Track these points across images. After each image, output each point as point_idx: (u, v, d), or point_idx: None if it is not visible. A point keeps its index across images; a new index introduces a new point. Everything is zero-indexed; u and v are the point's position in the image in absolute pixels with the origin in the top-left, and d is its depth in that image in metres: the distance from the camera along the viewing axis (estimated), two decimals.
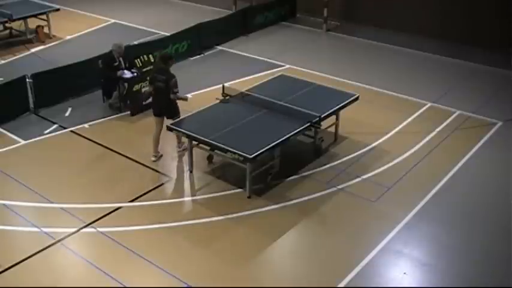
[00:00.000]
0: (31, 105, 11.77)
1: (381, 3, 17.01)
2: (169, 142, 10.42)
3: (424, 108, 12.12)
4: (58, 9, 16.55)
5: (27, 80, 11.67)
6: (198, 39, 15.05)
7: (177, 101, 9.76)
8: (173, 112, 9.77)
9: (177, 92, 9.59)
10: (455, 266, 7.67)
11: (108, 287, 7.21)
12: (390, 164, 9.97)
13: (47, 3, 17.72)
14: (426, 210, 8.77)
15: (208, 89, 12.66)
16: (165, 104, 9.69)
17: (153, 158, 9.99)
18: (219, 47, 15.68)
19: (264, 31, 17.10)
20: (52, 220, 8.49)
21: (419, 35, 15.99)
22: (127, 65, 11.78)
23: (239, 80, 13.02)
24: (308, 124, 9.45)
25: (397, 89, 12.76)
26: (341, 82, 12.98)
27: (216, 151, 9.31)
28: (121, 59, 11.73)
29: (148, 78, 10.38)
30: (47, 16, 16.13)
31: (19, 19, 15.67)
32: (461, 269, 7.63)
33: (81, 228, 8.28)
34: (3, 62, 14.61)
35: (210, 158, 9.94)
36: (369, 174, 9.65)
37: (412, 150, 10.40)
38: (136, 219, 8.52)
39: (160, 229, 8.31)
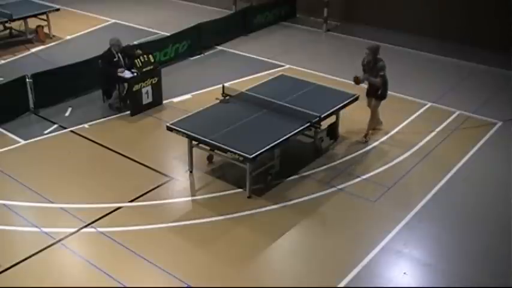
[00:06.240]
0: (31, 105, 11.77)
1: (381, 3, 17.02)
2: (169, 142, 10.43)
3: (424, 108, 12.13)
4: (58, 9, 16.56)
5: (27, 80, 11.66)
6: (198, 39, 15.05)
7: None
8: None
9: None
10: (455, 266, 7.67)
11: (108, 287, 7.21)
12: (390, 164, 9.97)
13: (47, 3, 17.73)
14: (426, 210, 8.77)
15: (208, 89, 12.66)
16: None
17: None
18: (219, 47, 15.68)
19: (264, 31, 17.11)
20: (52, 220, 8.49)
21: (419, 35, 15.99)
22: (126, 60, 11.78)
23: (239, 80, 13.02)
24: (308, 124, 9.45)
25: (397, 89, 12.73)
26: (341, 82, 12.97)
27: (216, 151, 9.31)
28: (120, 54, 11.74)
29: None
30: (47, 16, 16.13)
31: (19, 19, 15.67)
32: (461, 269, 7.63)
33: (81, 228, 8.28)
34: (3, 62, 14.61)
35: (210, 158, 9.94)
36: (369, 174, 9.65)
37: (412, 150, 10.40)
38: (136, 219, 8.51)
39: (160, 229, 8.31)
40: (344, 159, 10.12)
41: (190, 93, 12.69)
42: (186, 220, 8.51)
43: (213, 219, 8.53)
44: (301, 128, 9.39)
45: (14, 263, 7.57)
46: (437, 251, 7.97)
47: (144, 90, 11.72)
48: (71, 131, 11.06)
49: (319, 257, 7.82)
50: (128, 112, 11.73)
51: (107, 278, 7.34)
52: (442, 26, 15.95)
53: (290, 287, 7.31)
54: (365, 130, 10.73)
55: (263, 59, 14.81)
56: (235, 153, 8.59)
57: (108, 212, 8.64)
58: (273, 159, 9.45)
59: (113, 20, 17.92)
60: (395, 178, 9.54)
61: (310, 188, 9.25)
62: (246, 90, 10.71)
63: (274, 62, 14.57)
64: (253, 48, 15.67)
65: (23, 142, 10.65)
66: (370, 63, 10.28)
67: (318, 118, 9.48)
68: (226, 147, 8.73)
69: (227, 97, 10.38)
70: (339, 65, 14.59)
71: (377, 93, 10.52)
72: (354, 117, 11.17)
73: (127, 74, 11.63)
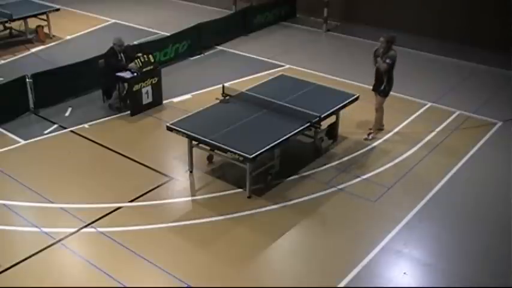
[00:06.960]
0: (31, 105, 11.77)
1: (381, 3, 17.02)
2: (169, 142, 10.43)
3: (424, 108, 12.13)
4: (58, 9, 16.55)
5: (27, 80, 11.66)
6: (198, 39, 15.05)
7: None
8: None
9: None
10: (455, 266, 7.67)
11: (108, 287, 7.21)
12: (390, 164, 9.97)
13: (47, 3, 17.73)
14: (426, 210, 8.78)
15: (208, 89, 12.66)
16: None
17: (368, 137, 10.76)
18: (219, 47, 15.68)
19: (264, 31, 17.12)
20: (52, 220, 8.49)
21: (419, 35, 15.99)
22: (128, 61, 11.79)
23: (239, 80, 13.02)
24: (308, 124, 9.45)
25: (397, 89, 12.72)
26: (341, 82, 12.99)
27: (216, 151, 9.31)
28: (122, 54, 11.76)
29: None
30: (47, 16, 16.12)
31: (19, 19, 15.66)
32: (461, 269, 7.63)
33: (81, 228, 8.28)
34: (3, 62, 14.61)
35: (210, 158, 9.94)
36: (369, 174, 9.65)
37: (412, 150, 10.40)
38: (136, 219, 8.51)
39: (160, 229, 8.31)
40: (344, 159, 10.12)
41: (190, 93, 12.69)
42: (186, 220, 8.51)
43: (213, 219, 8.53)
44: (301, 128, 9.38)
45: (14, 263, 7.57)
46: (437, 251, 7.97)
47: (144, 90, 11.72)
48: (71, 131, 11.06)
49: (319, 257, 7.82)
50: (128, 112, 11.73)
51: (107, 278, 7.34)
52: (442, 26, 15.95)
53: (290, 287, 7.31)
54: (367, 129, 10.73)
55: (263, 59, 14.81)
56: (235, 153, 8.59)
57: (108, 212, 8.64)
58: (273, 159, 9.45)
59: (113, 20, 17.92)
60: (396, 178, 9.54)
61: (310, 188, 9.25)
62: (246, 90, 10.71)
63: (274, 62, 14.57)
64: (253, 48, 15.67)
65: (23, 142, 10.65)
66: (383, 50, 10.48)
67: (318, 118, 9.48)
68: (226, 147, 8.72)
69: (227, 97, 10.37)
70: (339, 65, 14.59)
71: (380, 88, 10.55)
72: (354, 117, 11.19)
73: (127, 74, 11.63)
